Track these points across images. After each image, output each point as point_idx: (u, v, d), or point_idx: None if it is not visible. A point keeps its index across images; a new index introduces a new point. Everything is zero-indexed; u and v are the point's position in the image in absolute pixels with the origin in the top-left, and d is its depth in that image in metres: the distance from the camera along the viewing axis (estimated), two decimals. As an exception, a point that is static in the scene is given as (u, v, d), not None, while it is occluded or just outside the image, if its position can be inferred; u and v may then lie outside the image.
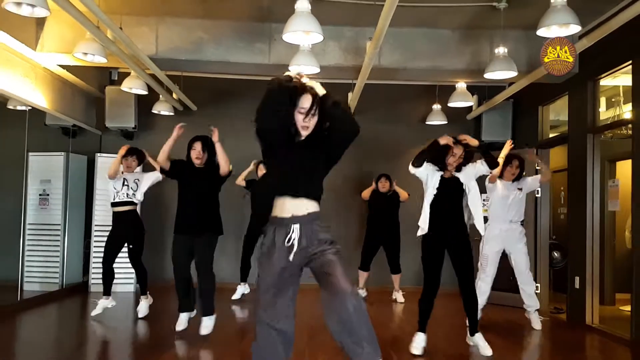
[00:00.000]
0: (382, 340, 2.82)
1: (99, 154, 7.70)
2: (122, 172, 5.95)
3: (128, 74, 6.99)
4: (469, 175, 4.64)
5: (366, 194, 7.36)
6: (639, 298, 5.09)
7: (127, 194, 5.87)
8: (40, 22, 5.97)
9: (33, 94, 6.29)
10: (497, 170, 5.36)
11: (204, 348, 4.61)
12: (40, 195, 7.41)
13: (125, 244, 5.92)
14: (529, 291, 5.68)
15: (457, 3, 5.49)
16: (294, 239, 2.65)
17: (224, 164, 4.86)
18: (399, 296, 7.25)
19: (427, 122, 8.08)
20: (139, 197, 5.95)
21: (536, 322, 5.70)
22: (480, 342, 4.57)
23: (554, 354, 5.00)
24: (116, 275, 5.93)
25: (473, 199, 4.61)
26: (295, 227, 2.65)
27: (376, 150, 8.25)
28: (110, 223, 6.02)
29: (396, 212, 7.32)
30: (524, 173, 5.77)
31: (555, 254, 7.32)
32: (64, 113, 7.08)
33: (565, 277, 6.51)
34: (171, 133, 4.79)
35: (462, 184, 4.60)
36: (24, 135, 6.92)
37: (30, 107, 6.52)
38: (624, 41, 5.21)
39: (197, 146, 4.90)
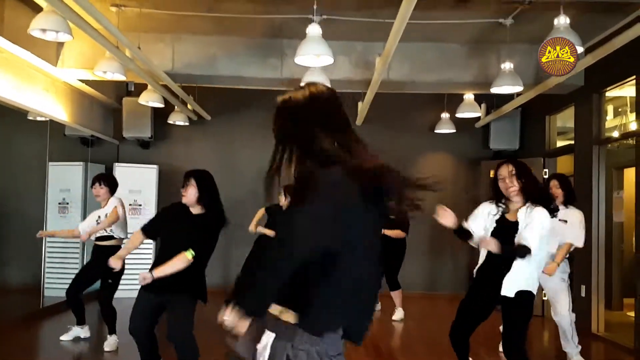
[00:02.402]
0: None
1: (117, 164, 7.94)
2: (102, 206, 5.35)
3: (144, 85, 7.21)
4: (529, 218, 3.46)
5: None
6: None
7: (105, 230, 5.27)
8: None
9: (53, 107, 6.52)
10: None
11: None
12: (59, 203, 7.65)
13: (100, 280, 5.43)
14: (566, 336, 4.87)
15: (465, 20, 5.63)
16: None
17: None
18: (398, 314, 6.88)
19: (435, 131, 8.23)
20: (119, 234, 5.38)
21: None
22: None
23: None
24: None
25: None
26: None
27: (384, 158, 8.38)
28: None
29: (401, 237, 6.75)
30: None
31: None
32: (83, 124, 7.32)
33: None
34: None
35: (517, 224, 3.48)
36: (44, 145, 7.17)
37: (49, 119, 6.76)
38: (628, 56, 5.33)
39: (190, 182, 3.83)
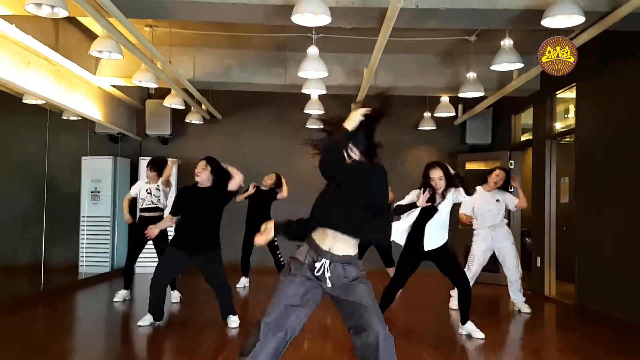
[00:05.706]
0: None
1: (141, 157, 9.09)
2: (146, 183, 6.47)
3: (163, 88, 8.35)
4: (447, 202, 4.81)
5: None
6: (580, 273, 6.43)
7: (152, 201, 6.38)
8: (98, 52, 7.34)
9: (91, 108, 7.69)
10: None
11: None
12: (92, 192, 8.81)
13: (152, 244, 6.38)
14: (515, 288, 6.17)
15: (437, 37, 6.80)
16: (322, 273, 2.63)
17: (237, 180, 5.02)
18: None
19: (419, 128, 9.41)
20: (164, 202, 6.41)
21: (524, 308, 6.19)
22: (471, 328, 4.92)
23: (515, 319, 6.27)
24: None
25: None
26: (326, 264, 2.63)
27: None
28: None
29: None
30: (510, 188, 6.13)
31: (527, 240, 8.64)
32: (113, 123, 8.49)
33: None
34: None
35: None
36: (79, 142, 8.31)
37: (81, 118, 7.79)
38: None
39: (201, 163, 5.01)
